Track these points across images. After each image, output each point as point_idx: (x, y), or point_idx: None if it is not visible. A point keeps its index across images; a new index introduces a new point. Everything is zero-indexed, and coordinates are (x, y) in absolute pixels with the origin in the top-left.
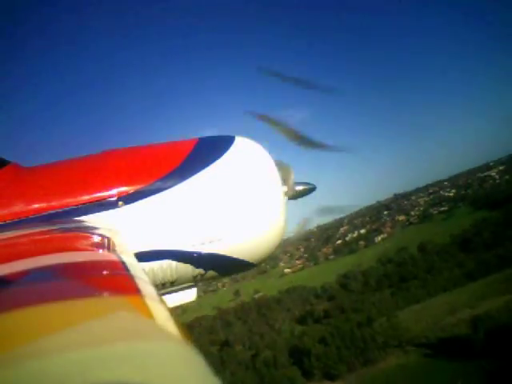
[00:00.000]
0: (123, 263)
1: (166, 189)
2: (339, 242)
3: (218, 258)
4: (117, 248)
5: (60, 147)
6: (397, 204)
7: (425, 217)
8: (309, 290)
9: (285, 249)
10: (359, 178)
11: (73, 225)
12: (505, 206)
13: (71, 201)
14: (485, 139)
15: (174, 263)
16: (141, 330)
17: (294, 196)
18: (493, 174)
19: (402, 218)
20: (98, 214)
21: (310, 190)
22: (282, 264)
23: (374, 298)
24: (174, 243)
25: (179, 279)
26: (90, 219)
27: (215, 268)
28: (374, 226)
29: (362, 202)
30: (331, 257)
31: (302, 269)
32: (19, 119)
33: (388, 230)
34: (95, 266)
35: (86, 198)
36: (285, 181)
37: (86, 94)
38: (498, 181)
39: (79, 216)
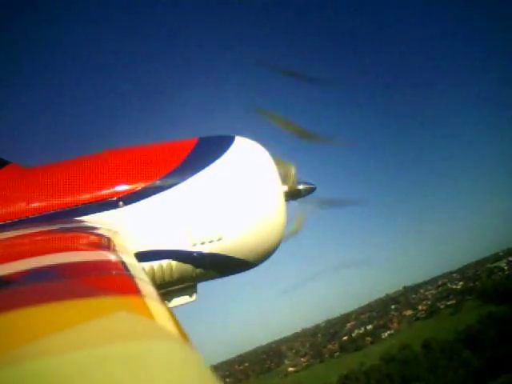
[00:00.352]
0: (123, 263)
1: (166, 189)
2: (345, 338)
3: (218, 258)
4: (117, 248)
5: (60, 147)
6: (405, 297)
7: (432, 311)
8: None
9: (291, 345)
10: (370, 268)
11: (73, 225)
12: None
13: (71, 201)
14: (495, 227)
15: (173, 263)
16: (141, 330)
17: (295, 196)
18: (502, 264)
19: (409, 312)
20: (98, 214)
21: (311, 189)
22: (286, 362)
23: None
24: (174, 243)
25: (179, 279)
26: (90, 219)
27: (215, 268)
28: (381, 322)
29: (372, 295)
30: (337, 354)
31: (306, 367)
32: (19, 119)
33: (395, 325)
34: (95, 266)
35: (85, 197)
36: (285, 178)
37: (86, 93)
38: (507, 272)
39: (79, 216)
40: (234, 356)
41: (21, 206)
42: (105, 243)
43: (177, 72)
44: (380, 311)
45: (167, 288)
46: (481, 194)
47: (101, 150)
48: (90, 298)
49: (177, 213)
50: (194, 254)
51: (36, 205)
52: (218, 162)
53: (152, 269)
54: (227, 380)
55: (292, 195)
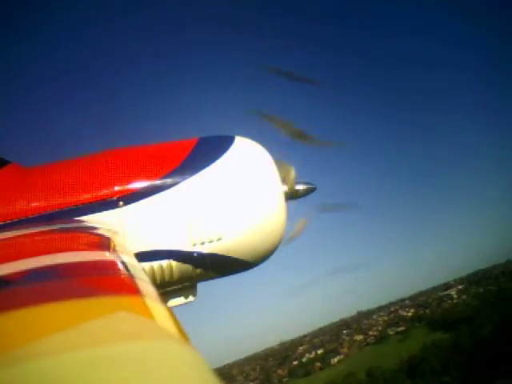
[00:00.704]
0: (123, 263)
1: (166, 188)
2: (296, 362)
3: (218, 258)
4: (117, 248)
5: (60, 147)
6: (357, 322)
7: (382, 337)
8: None
9: (242, 368)
10: (329, 292)
11: (73, 225)
12: (457, 328)
13: (71, 200)
14: (449, 256)
15: (174, 263)
16: (141, 330)
17: (295, 196)
18: (452, 293)
19: (360, 337)
20: (98, 213)
21: (311, 189)
22: None
23: None
24: (174, 243)
25: (179, 279)
26: (90, 219)
27: (215, 268)
28: (331, 346)
29: (327, 319)
30: (285, 379)
31: None
32: (19, 119)
33: (345, 350)
34: (95, 266)
35: (86, 197)
36: (285, 180)
37: (86, 93)
38: (455, 300)
39: (79, 216)
40: None
41: (21, 206)
42: (105, 243)
43: (177, 72)
44: (332, 335)
45: (167, 288)
46: (439, 226)
47: (101, 150)
48: (90, 297)
49: (177, 213)
50: (194, 254)
51: (36, 204)
52: (218, 161)
53: (152, 269)
54: None
55: (292, 195)
